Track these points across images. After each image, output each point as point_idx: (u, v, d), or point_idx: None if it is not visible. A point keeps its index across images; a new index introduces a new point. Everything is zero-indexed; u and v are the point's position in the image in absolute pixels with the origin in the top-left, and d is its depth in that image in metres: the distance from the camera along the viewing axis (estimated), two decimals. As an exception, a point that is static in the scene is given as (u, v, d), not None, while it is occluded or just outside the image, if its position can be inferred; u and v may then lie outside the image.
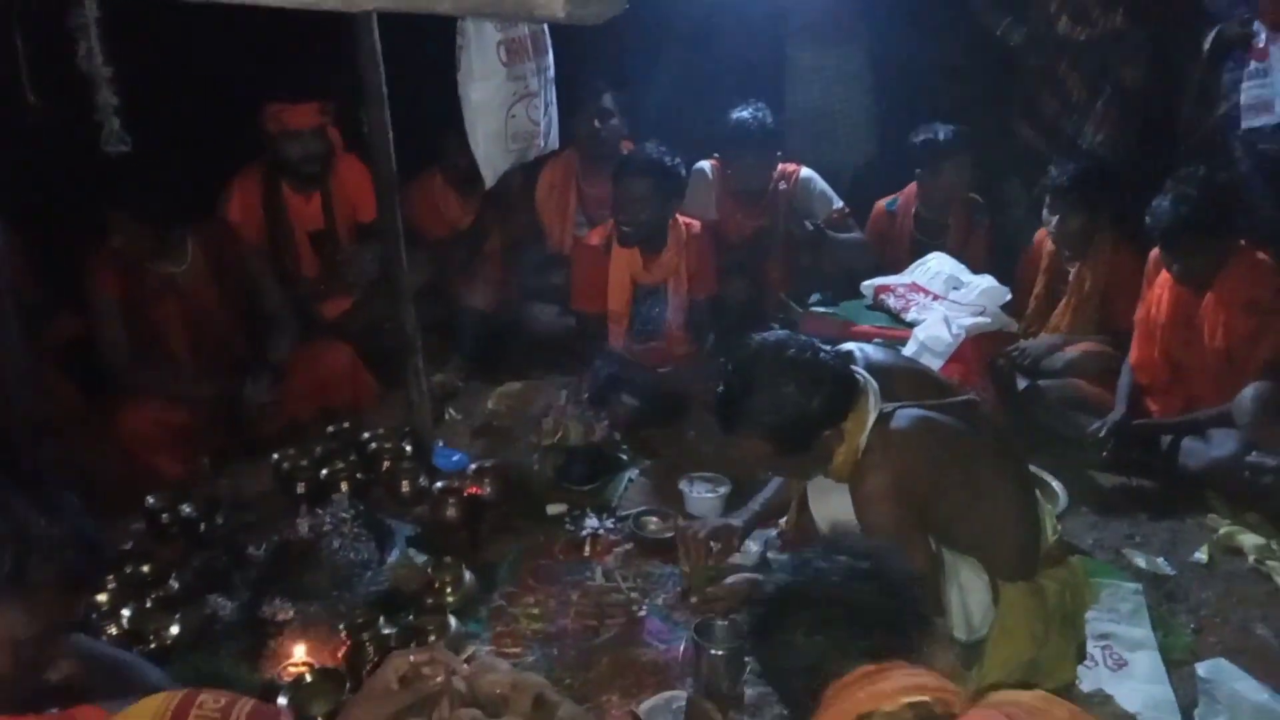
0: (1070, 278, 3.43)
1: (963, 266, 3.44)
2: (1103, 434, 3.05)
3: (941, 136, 3.67)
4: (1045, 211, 3.41)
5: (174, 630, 2.31)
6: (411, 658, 1.38)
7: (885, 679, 1.25)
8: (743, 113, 3.70)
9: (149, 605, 2.37)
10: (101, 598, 2.41)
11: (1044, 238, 3.52)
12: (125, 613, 2.34)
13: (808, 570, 1.41)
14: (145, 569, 2.51)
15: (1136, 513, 2.93)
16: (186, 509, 2.75)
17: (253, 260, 3.39)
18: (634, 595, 2.52)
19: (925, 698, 1.21)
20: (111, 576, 2.47)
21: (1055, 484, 2.95)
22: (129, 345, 3.13)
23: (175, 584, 2.46)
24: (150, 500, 2.77)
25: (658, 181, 3.34)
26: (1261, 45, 3.34)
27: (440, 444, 3.25)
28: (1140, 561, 2.68)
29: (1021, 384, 3.31)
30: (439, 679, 1.38)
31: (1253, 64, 3.38)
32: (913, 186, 3.88)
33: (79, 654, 1.52)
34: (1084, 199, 3.30)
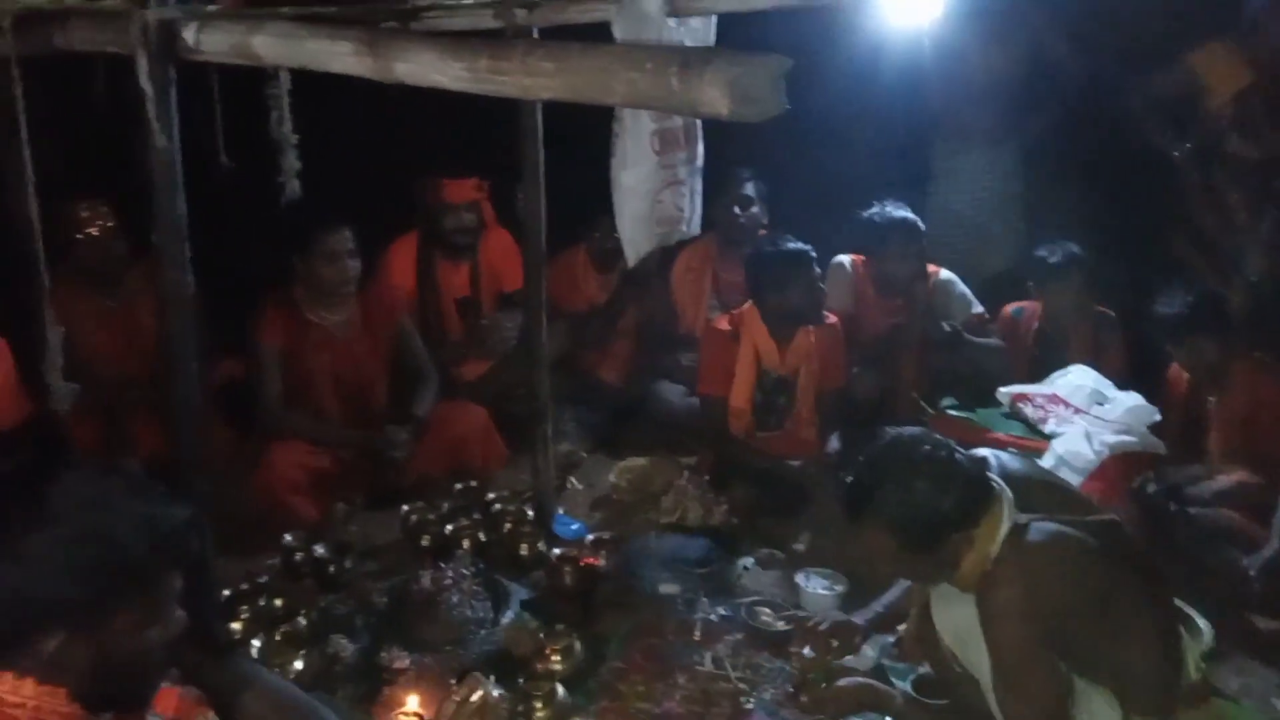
0: (1211, 406, 3.27)
1: (1107, 382, 3.32)
2: (1254, 571, 2.85)
3: (1050, 258, 3.64)
4: (1169, 348, 3.29)
5: (298, 666, 2.40)
6: None
7: None
8: (888, 208, 3.73)
9: (277, 639, 2.48)
10: (235, 626, 2.54)
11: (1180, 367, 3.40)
12: (255, 644, 2.44)
13: None
14: (278, 603, 2.63)
15: (1290, 661, 2.71)
16: (320, 550, 2.88)
17: (405, 320, 3.59)
18: (742, 686, 2.48)
19: None
20: (246, 607, 2.61)
21: (1200, 620, 2.75)
22: (284, 391, 3.33)
23: (303, 621, 2.57)
24: (288, 539, 2.92)
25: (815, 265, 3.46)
26: None
27: (561, 512, 3.31)
28: (1291, 714, 2.48)
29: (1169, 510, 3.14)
30: None
31: None
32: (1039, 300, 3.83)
33: (265, 690, 1.58)
34: (1207, 329, 3.17)
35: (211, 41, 1.91)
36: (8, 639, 1.23)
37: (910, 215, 3.72)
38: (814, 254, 3.47)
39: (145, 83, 1.94)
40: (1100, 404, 3.22)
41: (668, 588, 2.89)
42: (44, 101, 2.30)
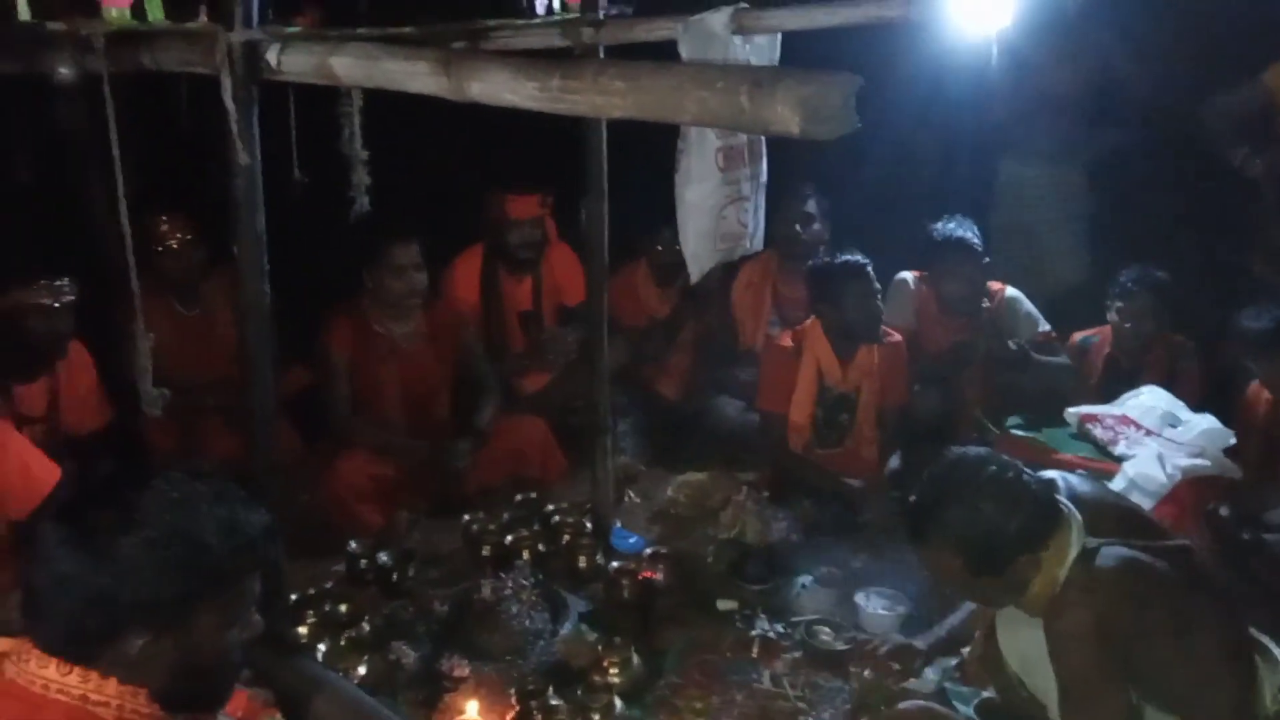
0: None
1: (1180, 403, 3.24)
2: (1335, 602, 2.75)
3: (1130, 278, 3.56)
4: (1253, 364, 3.19)
5: (361, 671, 2.43)
6: None
7: None
8: (949, 225, 3.69)
9: (341, 644, 2.52)
10: (302, 630, 2.59)
11: (1260, 387, 3.29)
12: (321, 647, 2.49)
13: None
14: (342, 609, 2.68)
15: (1375, 696, 2.60)
16: (383, 558, 2.93)
17: (468, 332, 3.65)
18: (801, 705, 2.46)
19: None
20: (311, 612, 2.67)
21: (1277, 650, 2.67)
22: (351, 400, 3.41)
23: (366, 627, 2.61)
24: (353, 545, 2.97)
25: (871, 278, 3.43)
26: None
27: (619, 525, 3.32)
28: (1375, 752, 2.37)
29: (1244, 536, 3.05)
30: None
31: None
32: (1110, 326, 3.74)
33: (336, 694, 1.61)
34: None
35: (293, 63, 1.96)
36: (95, 638, 1.27)
37: (967, 234, 3.66)
38: (869, 266, 3.43)
39: (229, 102, 2.00)
40: (1173, 426, 3.15)
41: (725, 604, 2.88)
42: (128, 118, 2.39)
